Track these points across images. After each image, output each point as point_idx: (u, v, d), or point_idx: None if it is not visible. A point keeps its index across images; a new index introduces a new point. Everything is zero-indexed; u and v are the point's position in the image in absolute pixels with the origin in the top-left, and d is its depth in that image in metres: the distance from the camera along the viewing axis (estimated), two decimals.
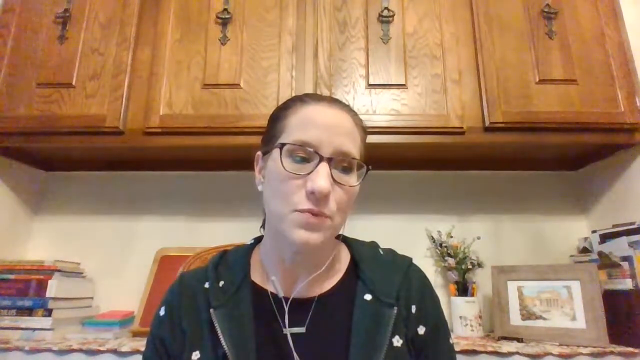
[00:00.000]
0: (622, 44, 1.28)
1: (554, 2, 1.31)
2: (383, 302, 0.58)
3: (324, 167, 0.53)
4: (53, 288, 1.22)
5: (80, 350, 1.04)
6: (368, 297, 0.59)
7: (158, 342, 0.61)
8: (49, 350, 1.05)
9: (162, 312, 0.62)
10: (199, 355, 0.55)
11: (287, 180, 0.54)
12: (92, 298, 1.42)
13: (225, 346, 0.53)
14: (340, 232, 0.64)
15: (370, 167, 0.59)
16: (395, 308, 0.58)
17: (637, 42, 1.28)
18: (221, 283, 0.60)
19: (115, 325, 1.24)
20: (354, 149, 0.57)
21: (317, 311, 0.59)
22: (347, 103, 0.64)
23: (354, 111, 0.63)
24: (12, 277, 1.24)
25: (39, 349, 1.05)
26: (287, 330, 0.56)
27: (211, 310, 0.57)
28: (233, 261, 0.64)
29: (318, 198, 0.52)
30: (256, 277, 0.63)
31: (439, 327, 0.62)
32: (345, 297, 0.60)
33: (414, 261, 0.67)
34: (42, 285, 1.22)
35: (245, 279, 0.61)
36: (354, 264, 0.64)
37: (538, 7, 1.31)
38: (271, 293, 0.60)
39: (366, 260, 0.64)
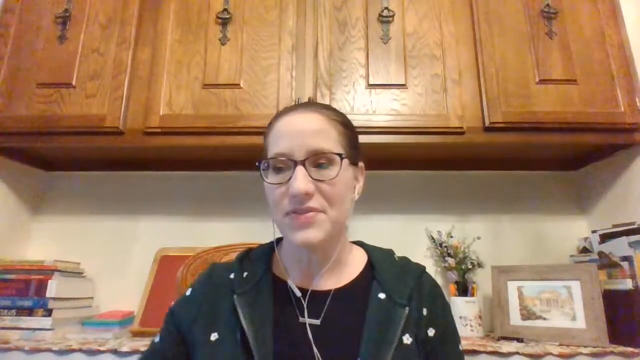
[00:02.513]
0: (622, 44, 1.28)
1: (554, 2, 1.31)
2: (396, 302, 0.61)
3: (298, 170, 0.57)
4: (53, 288, 1.21)
5: (80, 350, 1.04)
6: (382, 295, 0.61)
7: (172, 323, 0.63)
8: (49, 350, 1.05)
9: (188, 293, 0.67)
10: (217, 336, 0.59)
11: (274, 191, 0.60)
12: (92, 298, 1.42)
13: (246, 328, 0.57)
14: (346, 228, 0.67)
15: (343, 154, 0.60)
16: (407, 308, 0.60)
17: (637, 42, 1.28)
18: (245, 274, 0.65)
19: (115, 325, 1.24)
20: (328, 143, 0.60)
21: (332, 304, 0.62)
22: (324, 103, 0.68)
23: (330, 108, 0.66)
24: (12, 277, 1.24)
25: (39, 349, 1.05)
26: (307, 320, 0.60)
27: (235, 296, 0.61)
28: (256, 256, 0.69)
29: (299, 200, 0.57)
30: (277, 270, 0.67)
31: (449, 333, 0.65)
32: (360, 293, 0.63)
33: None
34: (42, 285, 1.22)
35: (267, 271, 0.66)
36: (370, 266, 0.67)
37: (538, 7, 1.31)
38: (288, 284, 0.64)
39: (382, 263, 0.67)
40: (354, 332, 0.58)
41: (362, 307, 0.61)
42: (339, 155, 0.60)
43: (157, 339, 0.65)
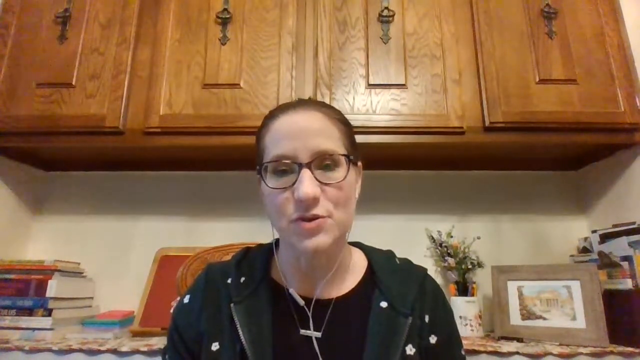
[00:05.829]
0: (622, 44, 1.28)
1: (554, 2, 1.31)
2: (399, 311, 0.59)
3: (304, 173, 0.54)
4: (53, 288, 1.21)
5: (80, 350, 1.04)
6: (384, 304, 0.60)
7: (176, 334, 0.62)
8: (49, 350, 1.04)
9: (186, 300, 0.64)
10: (218, 347, 0.57)
11: (276, 197, 0.56)
12: (92, 298, 1.42)
13: (243, 340, 0.55)
14: (349, 230, 0.65)
15: (351, 157, 0.58)
16: (410, 318, 0.59)
17: (637, 42, 1.28)
18: (242, 279, 0.62)
19: (115, 325, 1.24)
20: (332, 144, 0.57)
21: (333, 314, 0.60)
22: (320, 101, 0.64)
23: (328, 106, 0.62)
24: (12, 277, 1.24)
25: (39, 349, 1.05)
26: (311, 333, 0.58)
27: (232, 305, 0.59)
28: (254, 259, 0.66)
29: (306, 205, 0.53)
30: (276, 275, 0.64)
31: (451, 338, 0.63)
32: (361, 302, 0.61)
33: (414, 262, 0.68)
34: (42, 285, 1.22)
35: (266, 277, 0.63)
36: (370, 271, 0.65)
37: (538, 7, 1.31)
38: (289, 292, 0.61)
39: (383, 268, 0.65)
40: (355, 344, 0.57)
41: (364, 317, 0.59)
42: (347, 157, 0.57)
43: (167, 356, 0.62)
